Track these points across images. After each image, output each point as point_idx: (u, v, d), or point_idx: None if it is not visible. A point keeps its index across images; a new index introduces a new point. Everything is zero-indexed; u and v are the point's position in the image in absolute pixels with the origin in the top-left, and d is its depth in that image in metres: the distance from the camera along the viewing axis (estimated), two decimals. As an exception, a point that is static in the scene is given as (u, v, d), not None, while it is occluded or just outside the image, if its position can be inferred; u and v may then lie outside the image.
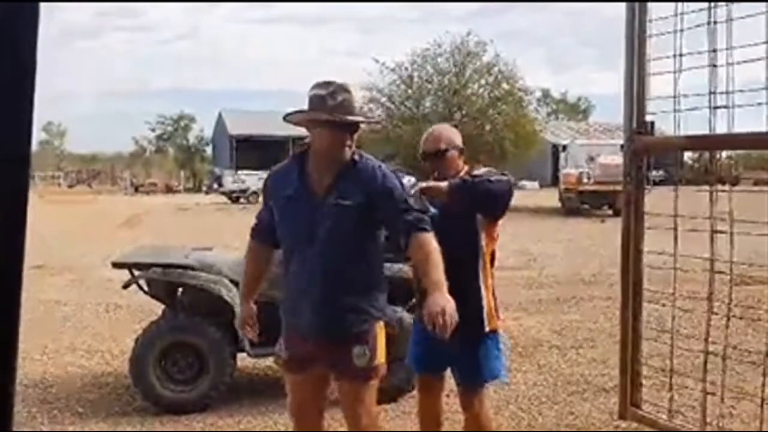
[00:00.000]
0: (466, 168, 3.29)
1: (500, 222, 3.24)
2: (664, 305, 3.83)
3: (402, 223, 2.74)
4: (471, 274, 3.10)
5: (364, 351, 2.80)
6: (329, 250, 2.79)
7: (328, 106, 2.76)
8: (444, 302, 2.51)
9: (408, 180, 2.97)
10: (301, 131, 2.94)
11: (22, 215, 0.83)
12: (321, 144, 2.82)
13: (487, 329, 3.15)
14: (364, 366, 2.81)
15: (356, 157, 2.83)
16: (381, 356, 2.88)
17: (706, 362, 3.47)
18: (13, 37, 0.81)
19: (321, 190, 2.82)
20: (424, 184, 3.00)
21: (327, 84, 2.81)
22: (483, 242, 3.15)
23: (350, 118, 2.77)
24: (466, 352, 3.13)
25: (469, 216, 3.10)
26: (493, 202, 3.09)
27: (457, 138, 3.33)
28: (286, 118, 2.92)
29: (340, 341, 2.83)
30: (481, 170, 3.19)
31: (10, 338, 0.84)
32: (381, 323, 2.89)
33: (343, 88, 2.80)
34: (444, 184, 3.02)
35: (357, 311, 2.83)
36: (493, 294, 3.24)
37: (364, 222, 2.79)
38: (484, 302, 3.13)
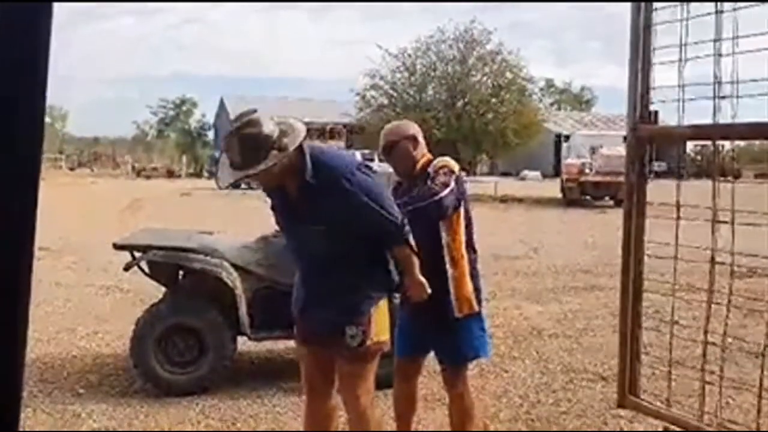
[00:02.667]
0: (427, 158, 3.32)
1: (459, 218, 3.28)
2: (663, 295, 3.84)
3: (383, 234, 2.88)
4: (436, 265, 3.16)
5: (356, 332, 2.85)
6: (321, 261, 2.92)
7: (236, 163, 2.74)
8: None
9: (377, 166, 3.06)
10: (307, 117, 2.96)
11: (33, 206, 0.83)
12: (267, 180, 2.88)
13: (457, 315, 3.21)
14: (357, 346, 2.86)
15: (312, 164, 2.78)
16: (381, 333, 2.92)
17: (705, 352, 3.48)
18: (28, 21, 0.81)
19: (296, 213, 2.90)
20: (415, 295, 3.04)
21: (229, 135, 2.75)
22: (445, 236, 3.21)
23: (251, 171, 2.70)
24: (443, 335, 3.26)
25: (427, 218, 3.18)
26: (428, 218, 3.14)
27: (409, 129, 3.37)
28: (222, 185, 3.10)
29: (339, 313, 2.90)
30: (434, 163, 3.24)
31: (17, 339, 0.84)
32: (383, 299, 2.94)
33: (245, 133, 2.69)
34: (422, 284, 3.01)
35: (358, 295, 2.90)
36: (474, 281, 3.28)
37: (346, 233, 2.85)
38: (452, 290, 3.19)
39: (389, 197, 2.96)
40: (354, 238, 2.88)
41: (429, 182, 3.15)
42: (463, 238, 3.28)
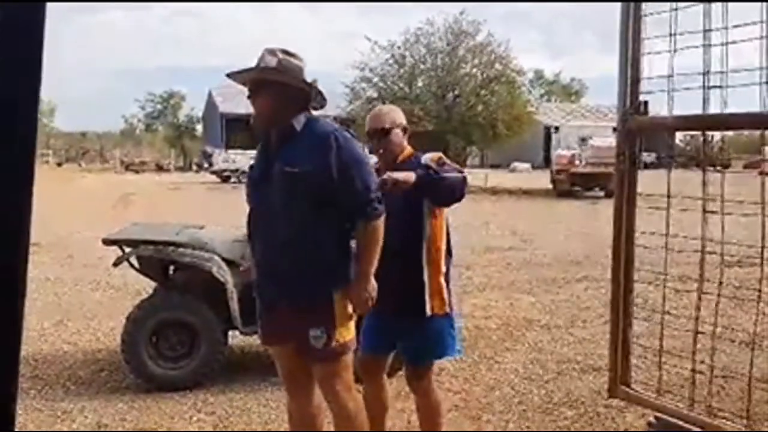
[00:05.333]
0: (409, 150, 3.29)
1: (442, 215, 3.24)
2: (655, 284, 3.85)
3: (356, 204, 2.75)
4: (414, 258, 3.11)
5: (320, 333, 2.75)
6: (283, 219, 2.76)
7: (279, 70, 2.77)
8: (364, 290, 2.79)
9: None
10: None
11: (28, 203, 0.83)
12: (265, 108, 2.81)
13: (429, 313, 3.12)
14: (322, 347, 2.77)
15: (306, 120, 2.79)
16: (345, 333, 2.82)
17: (695, 342, 3.50)
18: (23, 20, 0.82)
19: (273, 159, 2.81)
20: (394, 176, 2.95)
21: (280, 50, 2.83)
22: (428, 228, 3.14)
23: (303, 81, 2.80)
24: (410, 333, 3.18)
25: (416, 203, 3.09)
26: (451, 197, 3.09)
27: (401, 117, 3.33)
28: (231, 75, 2.88)
29: (301, 314, 2.78)
30: (428, 156, 3.18)
31: (13, 342, 0.84)
32: (348, 295, 2.82)
33: (295, 56, 2.83)
34: (412, 176, 2.96)
35: (316, 280, 2.78)
36: (446, 281, 3.22)
37: (318, 189, 2.72)
38: (427, 286, 3.12)
39: (373, 173, 2.87)
40: (331, 193, 2.74)
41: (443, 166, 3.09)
42: (443, 236, 3.22)
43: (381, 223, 2.79)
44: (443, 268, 3.20)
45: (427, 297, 3.11)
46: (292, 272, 2.79)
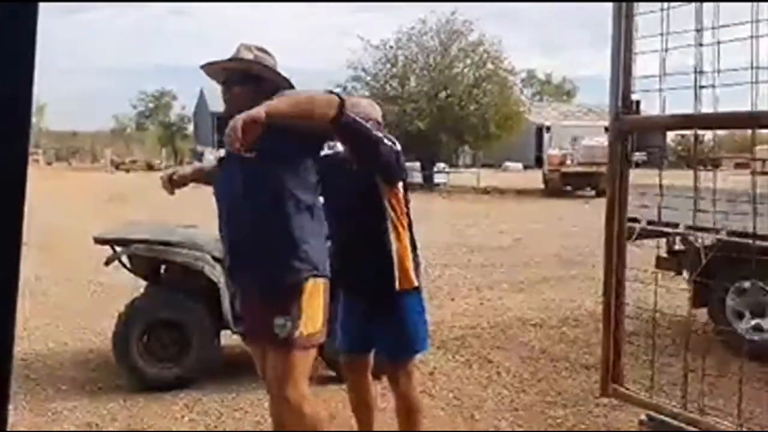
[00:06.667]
0: None
1: (403, 194, 3.21)
2: (644, 283, 3.86)
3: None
4: (378, 233, 3.08)
5: (285, 321, 2.69)
6: (246, 203, 2.74)
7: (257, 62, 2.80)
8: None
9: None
10: None
11: (21, 203, 0.82)
12: (239, 100, 2.76)
13: (397, 287, 3.09)
14: (286, 336, 2.69)
15: None
16: (312, 326, 2.73)
17: (687, 340, 3.51)
18: (15, 20, 0.81)
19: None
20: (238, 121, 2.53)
21: (255, 46, 2.86)
22: (387, 203, 3.11)
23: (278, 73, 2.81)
24: (387, 324, 3.14)
25: (371, 176, 3.06)
26: (373, 153, 2.98)
27: (378, 113, 3.30)
28: (208, 64, 2.85)
29: (267, 302, 2.75)
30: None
31: (6, 343, 0.83)
32: (319, 284, 2.75)
33: (269, 53, 2.88)
34: (261, 113, 2.61)
35: (283, 268, 2.72)
36: (414, 255, 3.19)
37: (280, 170, 2.69)
38: (395, 260, 3.09)
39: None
40: (294, 174, 2.71)
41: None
42: (405, 213, 3.20)
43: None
44: (408, 245, 3.17)
45: (396, 272, 3.08)
46: (260, 261, 2.76)
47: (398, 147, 3.11)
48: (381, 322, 3.16)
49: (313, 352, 2.83)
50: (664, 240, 5.87)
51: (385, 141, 3.01)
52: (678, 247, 5.97)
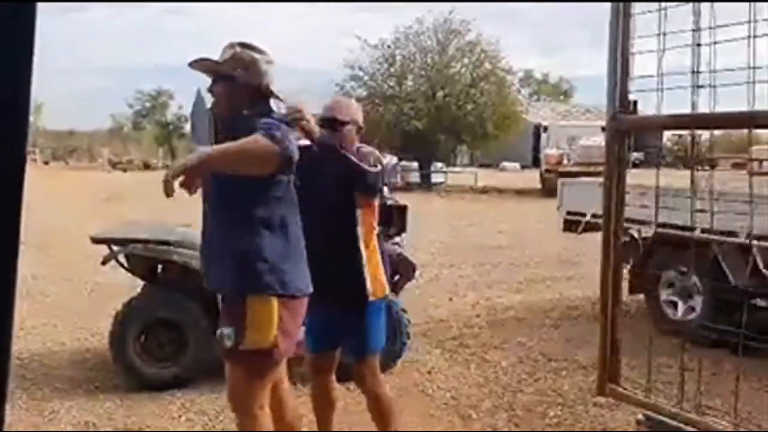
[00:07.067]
0: (357, 144, 3.26)
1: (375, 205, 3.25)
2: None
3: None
4: (350, 242, 3.09)
5: (229, 333, 2.66)
6: (215, 214, 2.76)
7: (241, 65, 2.74)
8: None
9: (389, 159, 2.96)
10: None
11: (18, 203, 0.83)
12: (219, 101, 2.79)
13: (371, 297, 3.11)
14: (231, 347, 2.67)
15: (246, 116, 2.69)
16: (262, 340, 2.65)
17: (684, 340, 3.52)
18: (13, 20, 0.81)
19: None
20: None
21: (239, 43, 2.80)
22: (360, 213, 3.12)
23: (257, 79, 2.73)
24: (353, 324, 3.15)
25: (347, 189, 3.08)
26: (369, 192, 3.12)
27: (359, 116, 3.27)
28: (193, 64, 2.82)
29: (222, 311, 2.79)
30: (366, 149, 3.20)
31: (3, 342, 0.83)
32: (267, 300, 2.67)
33: (254, 49, 2.79)
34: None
35: (229, 278, 2.72)
36: (384, 263, 3.23)
37: (239, 184, 2.63)
38: (366, 269, 3.11)
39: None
40: (256, 188, 2.65)
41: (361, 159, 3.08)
42: (375, 223, 3.22)
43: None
44: (379, 253, 3.20)
45: (368, 283, 3.10)
46: (217, 271, 2.77)
47: (385, 163, 3.14)
48: (348, 324, 3.17)
49: (270, 364, 2.73)
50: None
51: (369, 169, 3.03)
52: (624, 239, 6.32)
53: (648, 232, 6.04)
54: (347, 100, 3.51)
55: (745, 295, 4.48)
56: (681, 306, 5.88)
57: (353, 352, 3.28)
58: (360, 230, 3.12)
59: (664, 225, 5.42)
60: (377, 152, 3.24)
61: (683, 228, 4.73)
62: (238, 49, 2.80)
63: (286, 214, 2.74)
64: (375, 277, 3.14)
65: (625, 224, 5.61)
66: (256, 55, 2.79)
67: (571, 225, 7.15)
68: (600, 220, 5.47)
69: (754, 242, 4.95)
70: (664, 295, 6.02)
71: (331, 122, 3.11)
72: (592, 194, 6.45)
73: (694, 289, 5.76)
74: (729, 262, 5.31)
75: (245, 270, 2.69)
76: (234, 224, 2.71)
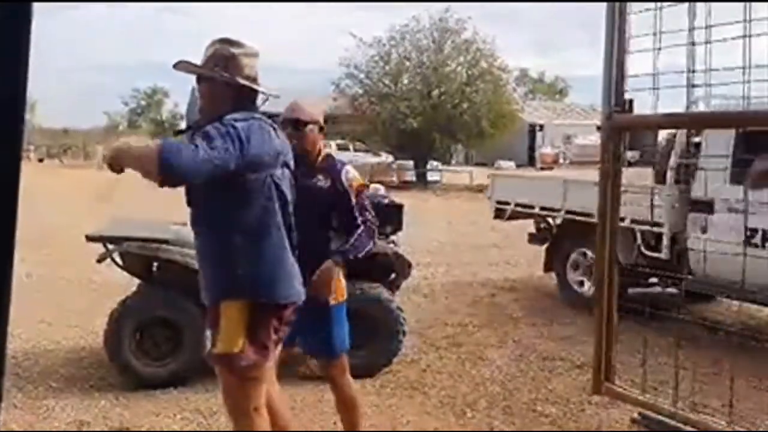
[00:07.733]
0: (325, 150, 3.40)
1: None
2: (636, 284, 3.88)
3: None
4: (323, 250, 3.21)
5: (208, 335, 2.71)
6: (194, 216, 2.77)
7: (224, 65, 2.69)
8: None
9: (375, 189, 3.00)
10: (274, 107, 2.87)
11: (14, 201, 0.82)
12: (202, 101, 2.77)
13: (332, 302, 3.26)
14: (211, 350, 2.71)
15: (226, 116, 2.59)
16: (229, 344, 2.62)
17: (679, 339, 3.53)
18: (9, 20, 0.81)
19: None
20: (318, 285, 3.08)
21: (221, 40, 2.76)
22: (335, 223, 3.30)
23: (242, 81, 2.67)
24: (316, 327, 3.23)
25: (327, 206, 3.26)
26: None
27: (319, 115, 3.37)
28: (176, 66, 2.78)
29: (209, 315, 2.79)
30: (351, 176, 3.32)
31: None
32: (237, 306, 2.64)
33: (237, 45, 2.74)
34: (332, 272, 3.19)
35: (215, 284, 2.72)
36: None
37: (215, 185, 2.54)
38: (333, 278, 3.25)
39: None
40: (235, 191, 2.60)
41: (362, 210, 3.27)
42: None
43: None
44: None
45: (334, 289, 3.24)
46: (201, 271, 2.80)
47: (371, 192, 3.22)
48: (310, 326, 3.20)
49: (242, 369, 2.65)
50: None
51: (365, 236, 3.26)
52: (543, 225, 7.85)
53: (558, 218, 7.32)
54: (310, 101, 3.56)
55: (630, 273, 4.87)
56: (587, 282, 6.88)
57: (321, 355, 3.44)
58: (331, 234, 3.29)
59: (572, 212, 6.77)
60: (361, 180, 3.40)
61: (584, 214, 6.08)
62: (218, 45, 2.75)
63: (266, 218, 2.65)
64: (338, 284, 3.27)
65: (543, 212, 7.38)
66: (235, 50, 2.73)
67: (499, 213, 8.07)
68: (523, 209, 7.56)
69: (635, 226, 5.85)
70: (571, 273, 7.12)
71: (294, 122, 3.24)
72: (516, 186, 8.14)
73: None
74: (618, 244, 5.57)
75: (220, 275, 2.71)
76: (209, 227, 2.71)
